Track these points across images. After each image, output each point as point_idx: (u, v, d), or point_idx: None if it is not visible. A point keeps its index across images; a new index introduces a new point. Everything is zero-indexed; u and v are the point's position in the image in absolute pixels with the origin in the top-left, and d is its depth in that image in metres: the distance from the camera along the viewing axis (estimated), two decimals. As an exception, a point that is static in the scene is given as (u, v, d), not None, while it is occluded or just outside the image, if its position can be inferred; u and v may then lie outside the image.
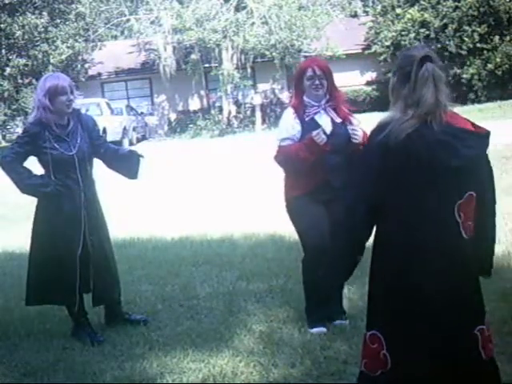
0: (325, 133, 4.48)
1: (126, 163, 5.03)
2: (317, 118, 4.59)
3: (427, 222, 2.69)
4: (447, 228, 2.71)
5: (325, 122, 4.57)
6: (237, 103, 29.72)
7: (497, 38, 27.22)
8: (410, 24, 27.85)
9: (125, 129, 24.66)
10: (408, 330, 2.73)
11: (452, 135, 2.68)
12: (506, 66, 27.04)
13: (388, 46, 28.20)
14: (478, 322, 2.79)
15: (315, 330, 4.61)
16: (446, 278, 2.70)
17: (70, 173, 4.70)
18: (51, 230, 4.73)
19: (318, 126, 4.52)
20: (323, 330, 4.60)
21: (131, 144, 25.31)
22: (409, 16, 27.86)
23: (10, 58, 26.13)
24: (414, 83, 2.71)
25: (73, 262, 4.69)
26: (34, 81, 26.88)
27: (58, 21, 27.79)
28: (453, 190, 2.70)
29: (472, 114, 20.30)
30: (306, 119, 4.58)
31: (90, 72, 29.12)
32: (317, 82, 4.54)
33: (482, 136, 2.78)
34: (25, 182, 4.72)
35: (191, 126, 28.65)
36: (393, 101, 2.82)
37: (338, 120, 4.57)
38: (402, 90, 2.76)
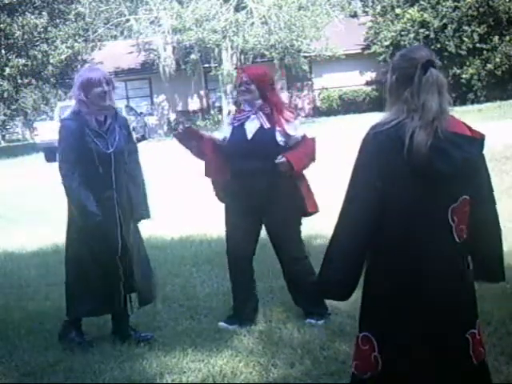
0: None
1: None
2: (247, 123, 4.74)
3: (420, 224, 2.69)
4: (439, 231, 2.70)
5: (251, 127, 4.71)
6: (236, 103, 29.58)
7: (496, 38, 27.24)
8: (409, 24, 27.87)
9: (124, 129, 24.66)
10: (400, 333, 2.72)
11: (446, 141, 2.66)
12: (506, 66, 27.07)
13: (387, 46, 28.21)
14: (470, 326, 2.78)
15: (223, 324, 4.84)
16: (439, 280, 2.69)
17: (105, 170, 4.53)
18: (88, 235, 4.53)
19: (244, 131, 4.72)
20: (229, 327, 4.78)
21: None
22: (408, 16, 27.88)
23: (10, 58, 26.11)
24: (417, 88, 2.67)
25: (114, 266, 4.55)
26: (33, 81, 26.90)
27: (58, 21, 27.79)
28: (446, 195, 2.69)
29: (471, 114, 20.30)
30: (235, 124, 4.79)
31: (90, 72, 29.05)
32: (243, 88, 4.76)
33: (476, 141, 2.75)
34: (86, 208, 4.46)
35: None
36: (391, 101, 2.77)
37: (267, 126, 4.66)
38: (401, 92, 2.71)
